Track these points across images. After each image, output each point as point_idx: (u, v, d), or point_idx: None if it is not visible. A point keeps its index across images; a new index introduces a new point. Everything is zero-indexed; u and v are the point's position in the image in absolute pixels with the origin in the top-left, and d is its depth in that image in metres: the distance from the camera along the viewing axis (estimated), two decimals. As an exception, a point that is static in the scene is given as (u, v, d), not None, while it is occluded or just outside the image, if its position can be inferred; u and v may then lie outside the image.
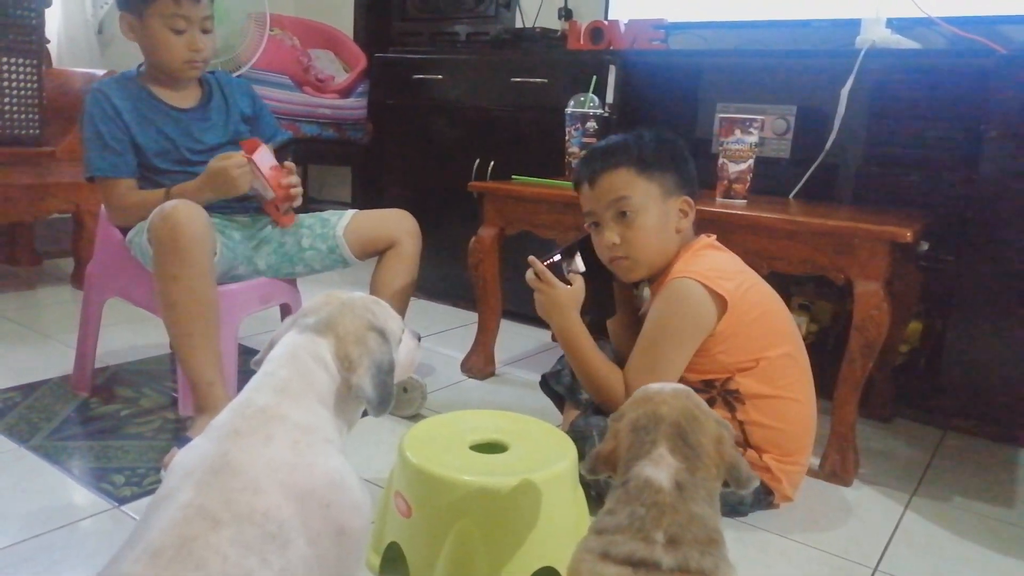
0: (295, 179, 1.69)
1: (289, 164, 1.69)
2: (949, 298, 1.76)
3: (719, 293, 1.29)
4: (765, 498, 1.38)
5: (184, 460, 0.81)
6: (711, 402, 1.33)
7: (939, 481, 1.58)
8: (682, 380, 1.37)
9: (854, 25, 1.96)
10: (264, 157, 1.60)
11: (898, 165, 2.11)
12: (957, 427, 1.83)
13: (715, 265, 1.34)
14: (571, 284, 1.39)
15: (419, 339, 1.08)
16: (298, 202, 1.74)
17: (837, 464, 1.53)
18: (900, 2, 1.91)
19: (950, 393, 1.78)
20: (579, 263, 1.42)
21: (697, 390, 1.33)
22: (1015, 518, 1.45)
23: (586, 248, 1.44)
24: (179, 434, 1.53)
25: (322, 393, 0.87)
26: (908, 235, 1.42)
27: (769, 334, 1.35)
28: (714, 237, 1.42)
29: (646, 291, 2.40)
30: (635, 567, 0.72)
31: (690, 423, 0.83)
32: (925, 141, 2.07)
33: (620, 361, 1.42)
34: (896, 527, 1.40)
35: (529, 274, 1.39)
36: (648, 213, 1.34)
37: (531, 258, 1.39)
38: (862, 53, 1.84)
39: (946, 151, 2.03)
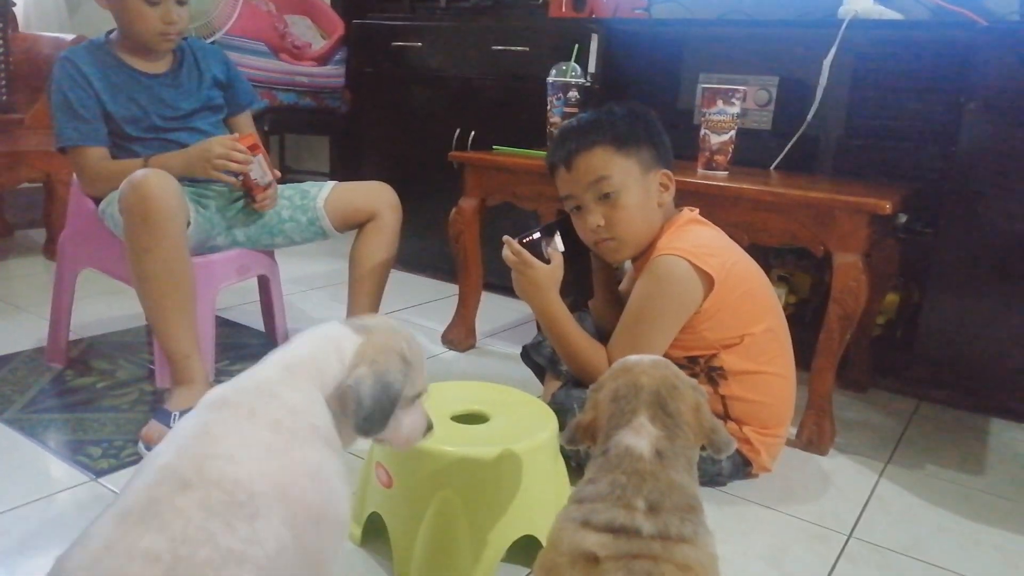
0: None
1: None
2: (926, 270, 1.78)
3: (705, 270, 1.28)
4: (743, 468, 1.39)
5: (176, 426, 0.80)
6: (694, 378, 1.33)
7: (913, 450, 1.61)
8: (666, 357, 1.37)
9: (838, -5, 1.95)
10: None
11: (879, 137, 2.11)
12: (931, 397, 1.86)
13: (700, 241, 1.33)
14: (549, 262, 1.35)
15: (431, 428, 0.99)
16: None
17: (814, 433, 1.55)
18: (883, -27, 1.90)
19: (925, 364, 1.80)
20: (559, 243, 1.39)
21: (681, 366, 1.33)
22: (985, 485, 1.48)
23: (566, 227, 1.42)
24: (156, 406, 1.51)
25: (326, 382, 0.85)
26: (887, 207, 1.43)
27: (754, 310, 1.35)
28: (696, 211, 1.41)
29: (626, 263, 2.40)
30: (615, 534, 0.73)
31: (669, 392, 0.84)
32: (906, 113, 2.07)
33: (602, 337, 1.41)
34: (871, 495, 1.42)
35: (505, 252, 1.36)
36: (630, 191, 1.31)
37: (506, 237, 1.36)
38: (845, 23, 1.83)
39: (926, 123, 2.04)
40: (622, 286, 1.54)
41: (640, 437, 0.80)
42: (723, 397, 1.36)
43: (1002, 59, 1.61)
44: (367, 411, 0.84)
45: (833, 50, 1.84)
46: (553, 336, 1.38)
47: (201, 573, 0.67)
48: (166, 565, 0.66)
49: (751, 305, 1.34)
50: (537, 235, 1.37)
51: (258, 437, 0.78)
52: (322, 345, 0.87)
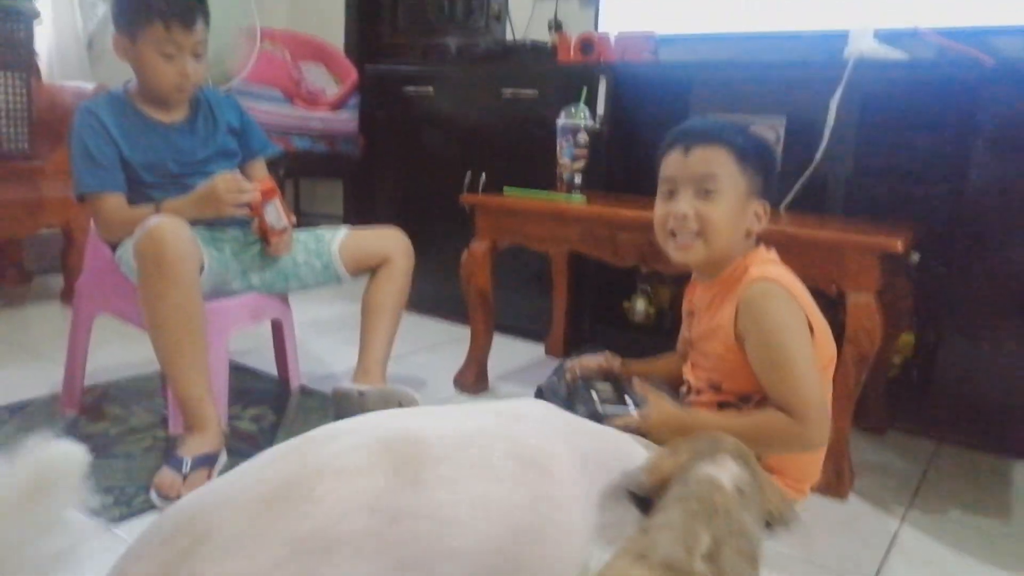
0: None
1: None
2: (942, 309, 1.76)
3: (808, 317, 1.24)
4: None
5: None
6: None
7: (934, 494, 1.58)
8: (719, 393, 1.34)
9: (842, 37, 1.96)
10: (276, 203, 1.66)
11: (888, 175, 2.11)
12: (951, 439, 1.82)
13: (799, 289, 1.27)
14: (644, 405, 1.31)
15: None
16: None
17: (832, 477, 1.52)
18: (888, 14, 1.93)
19: (943, 405, 1.78)
20: (630, 403, 1.36)
21: (730, 404, 1.32)
22: (1011, 531, 1.44)
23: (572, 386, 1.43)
24: (169, 453, 1.51)
25: None
26: (898, 246, 1.42)
27: (822, 363, 1.29)
28: (775, 252, 1.37)
29: (639, 303, 2.40)
30: (666, 571, 0.69)
31: (748, 451, 0.83)
32: (914, 152, 2.08)
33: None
34: (892, 541, 1.39)
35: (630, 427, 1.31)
36: (729, 201, 1.27)
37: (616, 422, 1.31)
38: (851, 64, 1.84)
39: (935, 161, 2.04)
40: (686, 308, 1.46)
41: (722, 470, 0.78)
42: None
43: (1010, 98, 1.62)
44: None
45: (840, 90, 1.85)
46: None
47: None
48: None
49: (819, 355, 1.29)
50: (614, 404, 1.36)
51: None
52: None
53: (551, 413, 0.95)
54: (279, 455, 0.75)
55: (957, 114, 1.94)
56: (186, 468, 1.40)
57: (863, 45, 1.91)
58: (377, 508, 0.69)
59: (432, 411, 0.87)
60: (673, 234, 1.31)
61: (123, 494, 1.41)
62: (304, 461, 0.72)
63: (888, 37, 1.95)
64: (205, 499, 0.72)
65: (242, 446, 1.62)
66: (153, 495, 1.38)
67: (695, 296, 1.42)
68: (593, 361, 1.48)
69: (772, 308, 1.23)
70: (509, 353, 2.35)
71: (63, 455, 0.67)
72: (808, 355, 1.23)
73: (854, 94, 1.98)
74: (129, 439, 1.64)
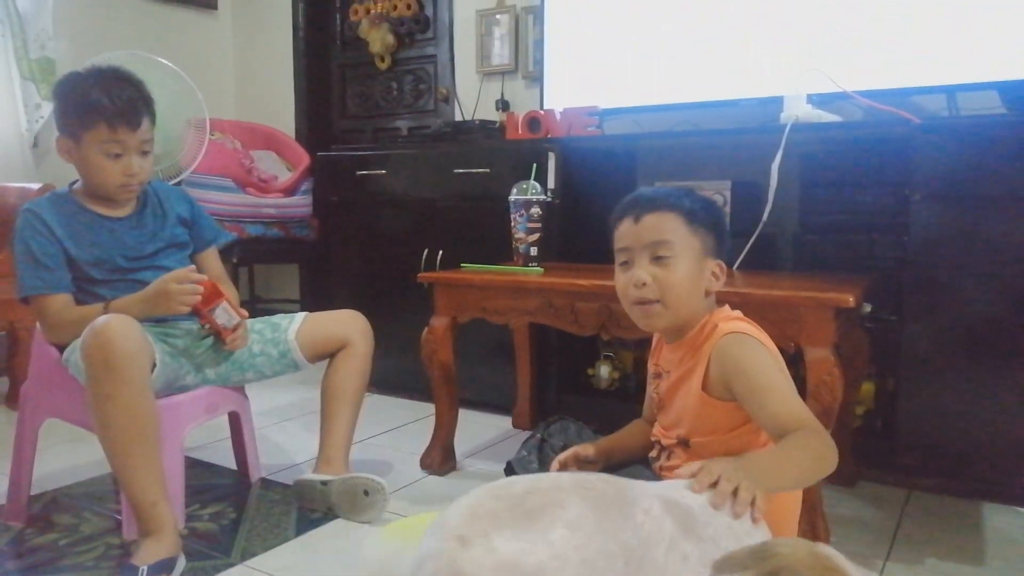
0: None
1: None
2: (896, 357, 1.79)
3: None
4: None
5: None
6: None
7: (909, 543, 1.57)
8: (688, 451, 1.31)
9: (777, 102, 2.06)
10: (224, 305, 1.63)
11: (832, 230, 2.19)
12: (920, 485, 1.83)
13: (769, 341, 1.29)
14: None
15: None
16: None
17: (807, 533, 1.51)
18: (818, 79, 2.02)
19: (909, 451, 1.79)
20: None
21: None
22: (987, 574, 1.44)
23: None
24: (123, 560, 1.43)
25: None
26: (850, 300, 1.46)
27: None
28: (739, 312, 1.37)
29: (603, 369, 2.40)
30: None
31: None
32: (857, 206, 2.16)
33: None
34: (873, 596, 1.37)
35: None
36: (686, 263, 1.29)
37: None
38: (787, 128, 1.92)
39: (876, 215, 2.12)
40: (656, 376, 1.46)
41: None
42: None
43: (939, 153, 1.70)
44: None
45: (780, 153, 1.93)
46: (787, 478, 1.15)
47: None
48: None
49: None
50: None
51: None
52: None
53: None
54: (599, 479, 0.98)
55: (893, 169, 2.03)
56: (141, 577, 1.32)
57: (797, 110, 1.99)
58: (674, 548, 0.92)
59: (666, 484, 1.06)
60: (638, 302, 1.33)
61: (73, 610, 1.32)
62: (623, 496, 0.94)
63: (820, 101, 2.05)
64: (552, 481, 0.95)
65: (202, 547, 1.55)
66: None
67: (661, 358, 1.43)
68: (571, 453, 1.46)
69: (746, 351, 1.25)
70: (475, 428, 2.31)
71: None
72: (790, 381, 1.22)
73: (793, 155, 2.07)
74: (80, 549, 1.55)
